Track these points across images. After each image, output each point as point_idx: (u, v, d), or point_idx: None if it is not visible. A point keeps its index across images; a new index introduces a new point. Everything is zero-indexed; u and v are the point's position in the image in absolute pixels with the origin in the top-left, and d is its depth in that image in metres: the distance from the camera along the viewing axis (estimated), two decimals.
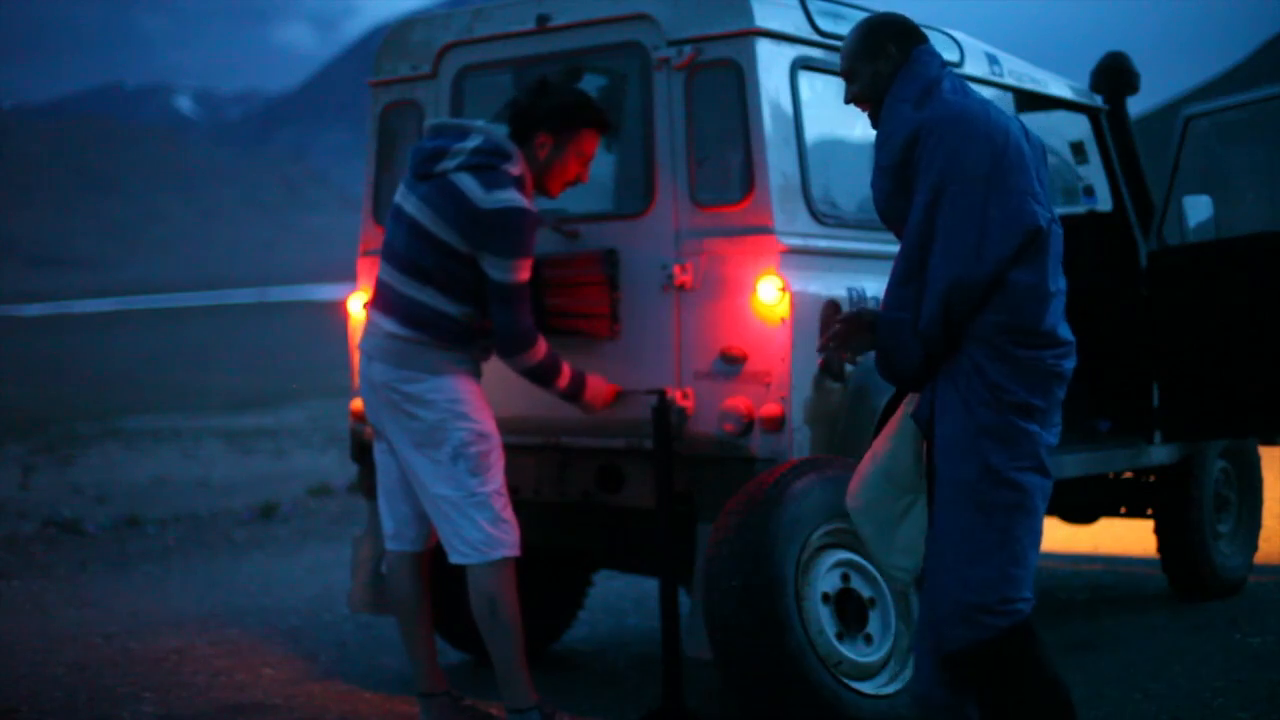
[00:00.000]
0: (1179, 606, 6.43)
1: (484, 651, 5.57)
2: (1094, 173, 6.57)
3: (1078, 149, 6.62)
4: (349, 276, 5.60)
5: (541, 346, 4.50)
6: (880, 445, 3.73)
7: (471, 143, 4.47)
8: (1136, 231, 6.25)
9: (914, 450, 3.67)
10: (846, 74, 3.73)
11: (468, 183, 4.40)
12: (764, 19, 4.62)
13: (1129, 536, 8.06)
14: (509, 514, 4.51)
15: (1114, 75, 6.35)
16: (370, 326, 4.60)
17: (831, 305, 4.60)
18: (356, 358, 5.45)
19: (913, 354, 3.53)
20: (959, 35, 5.55)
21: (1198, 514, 6.39)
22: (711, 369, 4.62)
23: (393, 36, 5.47)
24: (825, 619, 4.33)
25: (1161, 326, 5.76)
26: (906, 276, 3.53)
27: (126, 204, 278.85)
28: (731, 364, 4.56)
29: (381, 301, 4.57)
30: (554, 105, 4.55)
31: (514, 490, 4.76)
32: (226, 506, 11.31)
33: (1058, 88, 6.11)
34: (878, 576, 4.47)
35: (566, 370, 4.57)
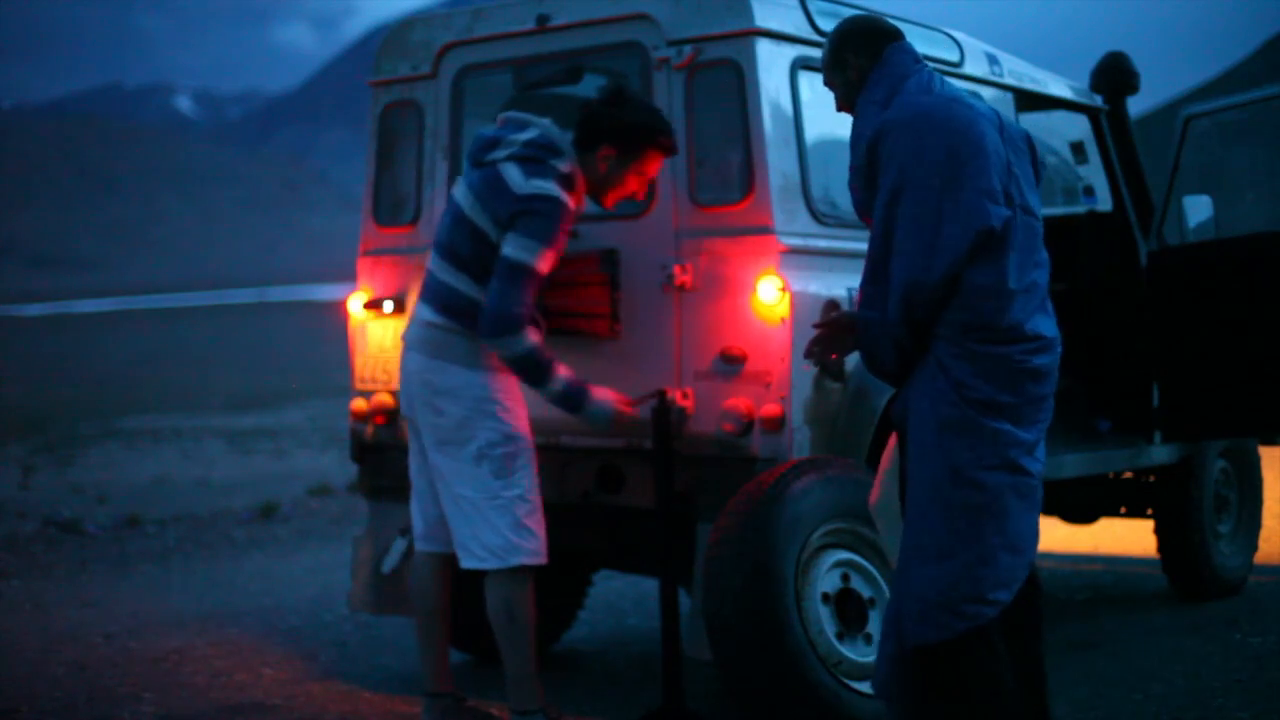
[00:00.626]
0: (1179, 606, 6.43)
1: (485, 653, 5.58)
2: (1094, 173, 6.57)
3: (1078, 149, 6.63)
4: (349, 276, 5.60)
5: (530, 336, 4.35)
6: (894, 442, 3.75)
7: (526, 135, 4.44)
8: (1136, 231, 6.25)
9: None
10: (827, 86, 3.78)
11: (511, 171, 4.37)
12: (764, 19, 4.62)
13: (1129, 536, 8.05)
14: (533, 521, 4.44)
15: (1114, 75, 6.35)
16: (413, 317, 4.57)
17: (831, 305, 4.60)
18: (356, 359, 5.47)
19: (887, 352, 3.55)
20: (959, 35, 5.55)
21: (1198, 514, 6.39)
22: (711, 369, 4.62)
23: (393, 36, 5.48)
24: (825, 619, 4.33)
25: (1161, 326, 5.75)
26: (873, 275, 3.58)
27: (126, 204, 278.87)
28: (731, 364, 4.56)
29: (425, 290, 4.53)
30: (625, 122, 4.45)
31: None
32: (226, 506, 11.30)
33: (1058, 88, 6.11)
34: (878, 576, 4.47)
35: (561, 373, 4.43)
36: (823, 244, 4.68)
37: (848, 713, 4.19)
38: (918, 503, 3.51)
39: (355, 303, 5.45)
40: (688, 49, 4.68)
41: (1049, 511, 6.66)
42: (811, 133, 4.71)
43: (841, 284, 4.67)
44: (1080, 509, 6.77)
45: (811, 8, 4.80)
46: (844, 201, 4.90)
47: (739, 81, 4.60)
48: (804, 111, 4.69)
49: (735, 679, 4.27)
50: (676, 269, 4.67)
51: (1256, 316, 5.48)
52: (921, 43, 5.15)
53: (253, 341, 43.19)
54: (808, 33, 4.74)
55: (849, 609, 4.41)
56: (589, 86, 5.28)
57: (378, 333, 5.38)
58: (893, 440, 3.75)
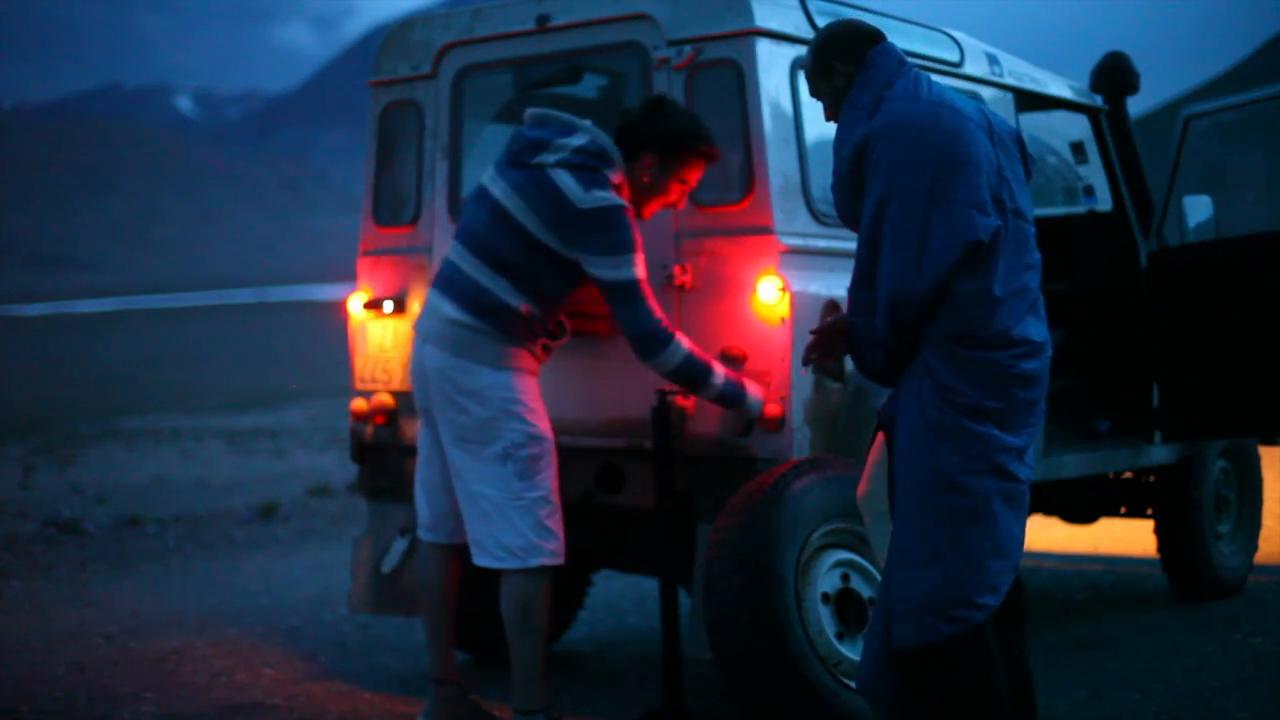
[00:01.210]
0: (1179, 606, 6.42)
1: (486, 653, 5.58)
2: (1094, 173, 6.57)
3: (1078, 149, 6.62)
4: (349, 276, 5.60)
5: (682, 343, 4.33)
6: (881, 438, 3.75)
7: (576, 140, 4.39)
8: (1136, 231, 6.25)
9: None
10: (814, 96, 3.78)
11: (567, 180, 4.31)
12: (764, 19, 4.62)
13: (1129, 536, 8.05)
14: (553, 521, 4.43)
15: (1114, 75, 6.35)
16: (428, 308, 4.50)
17: (831, 305, 4.60)
18: (356, 359, 5.46)
19: (876, 356, 3.56)
20: (959, 35, 5.55)
21: (1198, 514, 6.39)
22: None
23: (393, 36, 5.47)
24: (825, 619, 4.33)
25: (1161, 326, 5.75)
26: (861, 281, 3.57)
27: (126, 204, 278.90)
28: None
29: (444, 282, 4.46)
30: (668, 129, 4.42)
31: None
32: (226, 506, 11.30)
33: (1058, 88, 6.11)
34: (878, 576, 4.47)
35: (720, 370, 4.38)
36: (823, 244, 4.68)
37: (847, 713, 4.19)
38: (905, 506, 3.51)
39: (355, 303, 5.45)
40: (688, 49, 4.68)
41: (1049, 512, 6.66)
42: (811, 133, 4.71)
43: (841, 284, 4.65)
44: (1080, 509, 6.77)
45: (811, 8, 4.79)
46: None
47: (739, 81, 4.60)
48: (804, 111, 4.69)
49: (735, 679, 4.27)
50: (676, 269, 4.67)
51: (1256, 316, 5.48)
52: (921, 43, 5.16)
53: (253, 341, 43.19)
54: (808, 33, 4.74)
55: (849, 609, 4.41)
56: (589, 86, 5.29)
57: (378, 333, 5.38)
58: (881, 435, 3.75)
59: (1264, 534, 7.22)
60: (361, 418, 5.40)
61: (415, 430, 4.87)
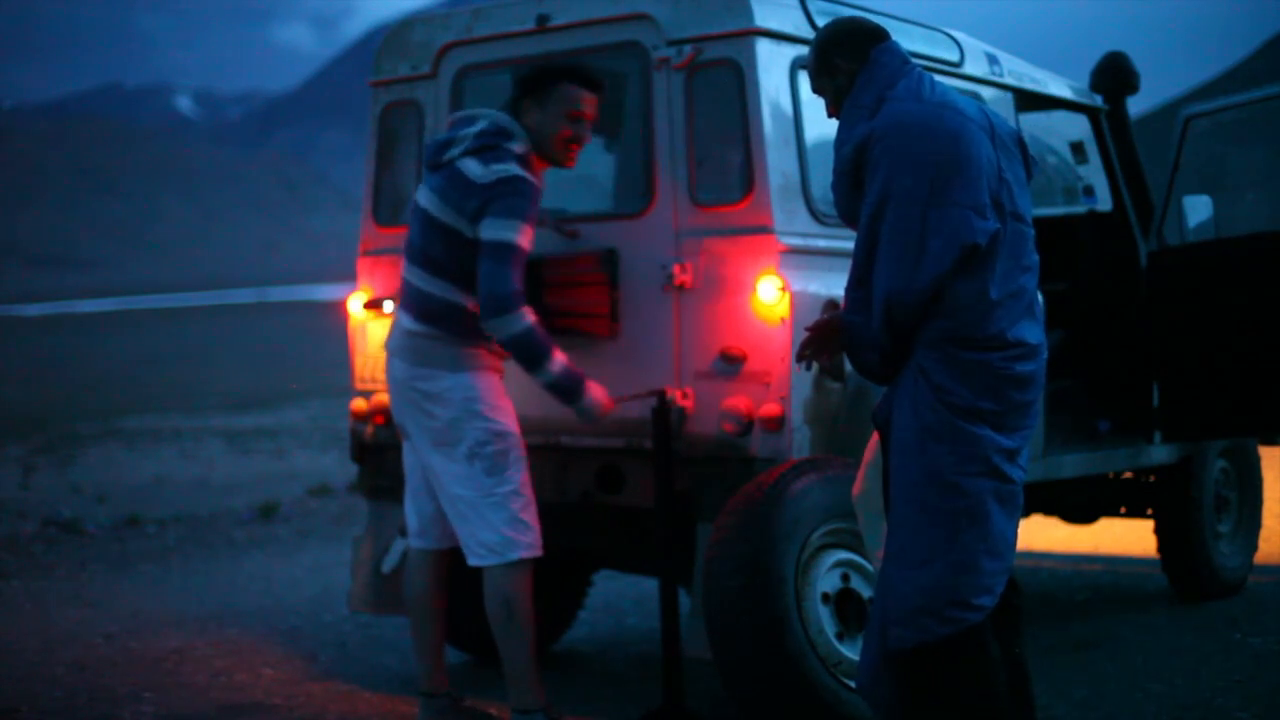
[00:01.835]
0: (1179, 606, 6.42)
1: (486, 653, 5.58)
2: (1094, 173, 6.57)
3: (1078, 149, 6.62)
4: (349, 276, 5.60)
5: (528, 315, 4.34)
6: (876, 438, 3.75)
7: (477, 127, 4.47)
8: (1136, 231, 6.25)
9: None
10: (816, 93, 3.77)
11: (470, 166, 4.40)
12: (764, 19, 4.62)
13: (1129, 536, 8.05)
14: (528, 515, 4.47)
15: (1114, 75, 6.35)
16: (394, 325, 4.60)
17: (831, 304, 4.60)
18: (356, 359, 5.47)
19: (871, 356, 3.56)
20: (959, 35, 5.55)
21: (1198, 514, 6.39)
22: (711, 369, 4.61)
23: (393, 36, 5.47)
24: (825, 619, 4.33)
25: (1161, 326, 5.75)
26: (858, 280, 3.57)
27: (126, 204, 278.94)
28: (731, 364, 4.56)
29: (403, 299, 4.57)
30: (531, 71, 4.55)
31: None
32: (226, 506, 11.30)
33: (1058, 88, 6.11)
34: (875, 575, 4.46)
35: (560, 359, 4.41)
36: (823, 244, 4.68)
37: (848, 713, 4.19)
38: (900, 507, 3.50)
39: (355, 303, 5.46)
40: (688, 49, 4.68)
41: (1049, 512, 6.65)
42: (811, 132, 4.71)
43: (841, 284, 4.63)
44: (1080, 509, 6.77)
45: (811, 8, 4.79)
46: None
47: (739, 81, 4.60)
48: (804, 111, 4.69)
49: (735, 679, 4.27)
50: (676, 269, 4.67)
51: (1256, 316, 5.48)
52: (921, 43, 5.16)
53: (253, 341, 43.18)
54: (807, 33, 4.74)
55: (849, 609, 4.41)
56: None
57: (378, 333, 5.38)
58: (876, 434, 3.75)
59: (1264, 534, 7.22)
60: (361, 418, 5.40)
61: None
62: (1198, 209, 5.73)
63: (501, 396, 4.51)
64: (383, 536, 5.41)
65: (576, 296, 4.79)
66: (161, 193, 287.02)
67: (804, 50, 4.72)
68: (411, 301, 4.51)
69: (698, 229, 4.67)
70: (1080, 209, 6.72)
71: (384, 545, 5.40)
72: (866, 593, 4.44)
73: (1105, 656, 5.55)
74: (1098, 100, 6.33)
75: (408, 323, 4.51)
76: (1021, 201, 3.55)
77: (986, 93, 5.45)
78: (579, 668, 5.87)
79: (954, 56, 5.38)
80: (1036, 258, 3.61)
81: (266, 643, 6.41)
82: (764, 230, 4.56)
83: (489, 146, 4.42)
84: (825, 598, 4.36)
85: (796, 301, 4.51)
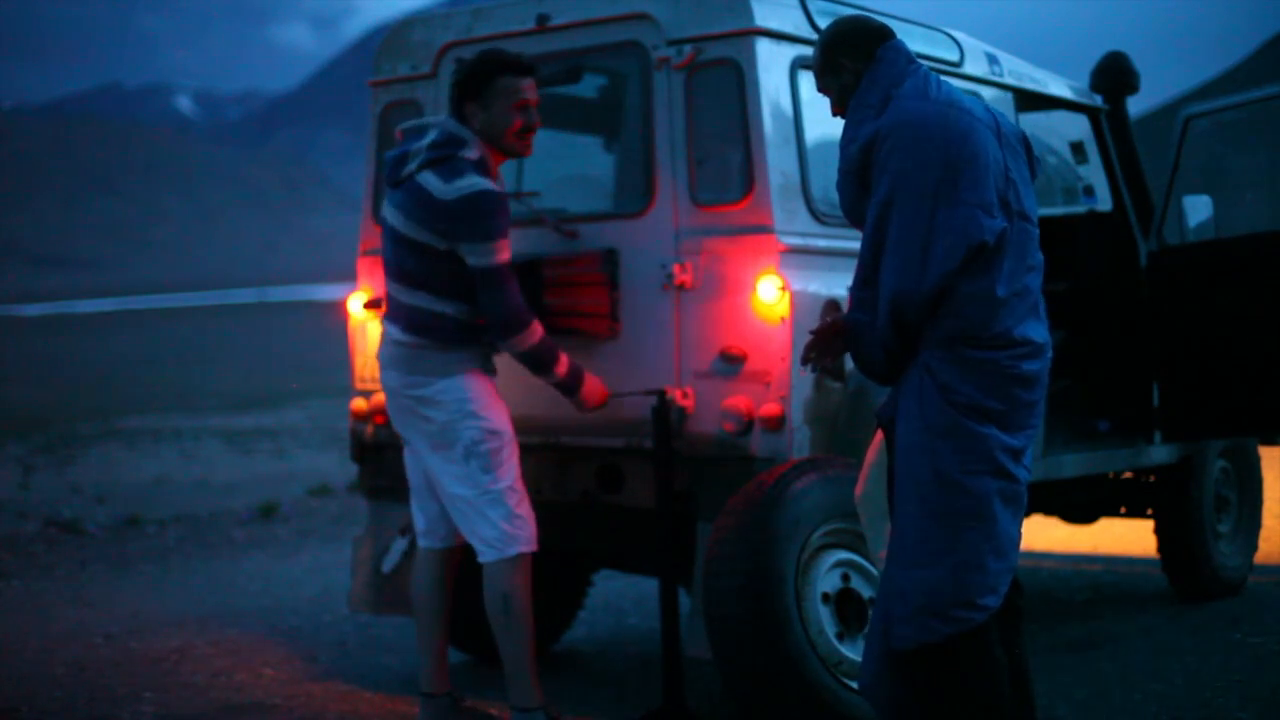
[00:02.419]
0: (1179, 606, 6.42)
1: (486, 653, 5.58)
2: (1094, 173, 6.57)
3: (1078, 149, 6.62)
4: (349, 276, 5.60)
5: (536, 329, 4.47)
6: (880, 438, 3.75)
7: (428, 139, 4.48)
8: (1136, 231, 6.24)
9: None
10: (822, 91, 3.77)
11: (429, 180, 4.41)
12: (764, 19, 4.62)
13: (1129, 536, 8.05)
14: (523, 509, 4.52)
15: (1114, 75, 6.35)
16: (383, 336, 4.65)
17: (831, 304, 4.60)
18: (356, 359, 5.48)
19: (876, 355, 3.55)
20: (959, 35, 5.55)
21: (1198, 514, 6.39)
22: (711, 368, 4.61)
23: (393, 36, 5.47)
24: (825, 619, 4.33)
25: (1161, 326, 5.75)
26: (864, 280, 3.57)
27: (126, 204, 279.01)
28: (731, 363, 4.56)
29: (389, 310, 4.62)
30: (462, 72, 4.54)
31: None
32: (226, 506, 11.30)
33: (1058, 88, 6.11)
34: (878, 576, 4.46)
35: (564, 358, 4.55)
36: (823, 243, 4.67)
37: (848, 713, 4.19)
38: (905, 506, 3.50)
39: (355, 302, 5.46)
40: (687, 49, 4.68)
41: (1049, 512, 6.65)
42: (811, 132, 4.71)
43: (842, 283, 4.66)
44: (1080, 509, 6.77)
45: (811, 7, 4.79)
46: None
47: (739, 81, 4.60)
48: (804, 111, 4.68)
49: (735, 679, 4.26)
50: (676, 268, 4.67)
51: (1256, 316, 5.48)
52: (921, 43, 5.15)
53: (253, 341, 43.19)
54: (808, 32, 4.74)
55: (849, 609, 4.41)
56: (589, 86, 5.28)
57: (378, 332, 5.37)
58: (879, 434, 3.75)
59: (1264, 534, 7.22)
60: (361, 418, 5.41)
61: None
62: (1198, 209, 5.73)
63: (493, 396, 4.55)
64: (383, 536, 5.41)
65: (576, 296, 4.79)
66: (161, 193, 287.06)
67: (804, 50, 4.73)
68: (398, 314, 4.55)
69: (698, 229, 4.67)
70: (1080, 209, 6.72)
71: (384, 545, 5.40)
72: (867, 593, 4.44)
73: (1105, 656, 5.55)
74: (1098, 100, 6.33)
75: (396, 334, 4.56)
76: (1027, 201, 3.56)
77: (986, 93, 5.45)
78: (579, 668, 5.87)
79: (954, 56, 5.38)
80: (1041, 257, 3.61)
81: (266, 643, 6.41)
82: (764, 230, 4.55)
83: (445, 158, 4.43)
84: (825, 598, 4.35)
85: (796, 301, 4.51)
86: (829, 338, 3.71)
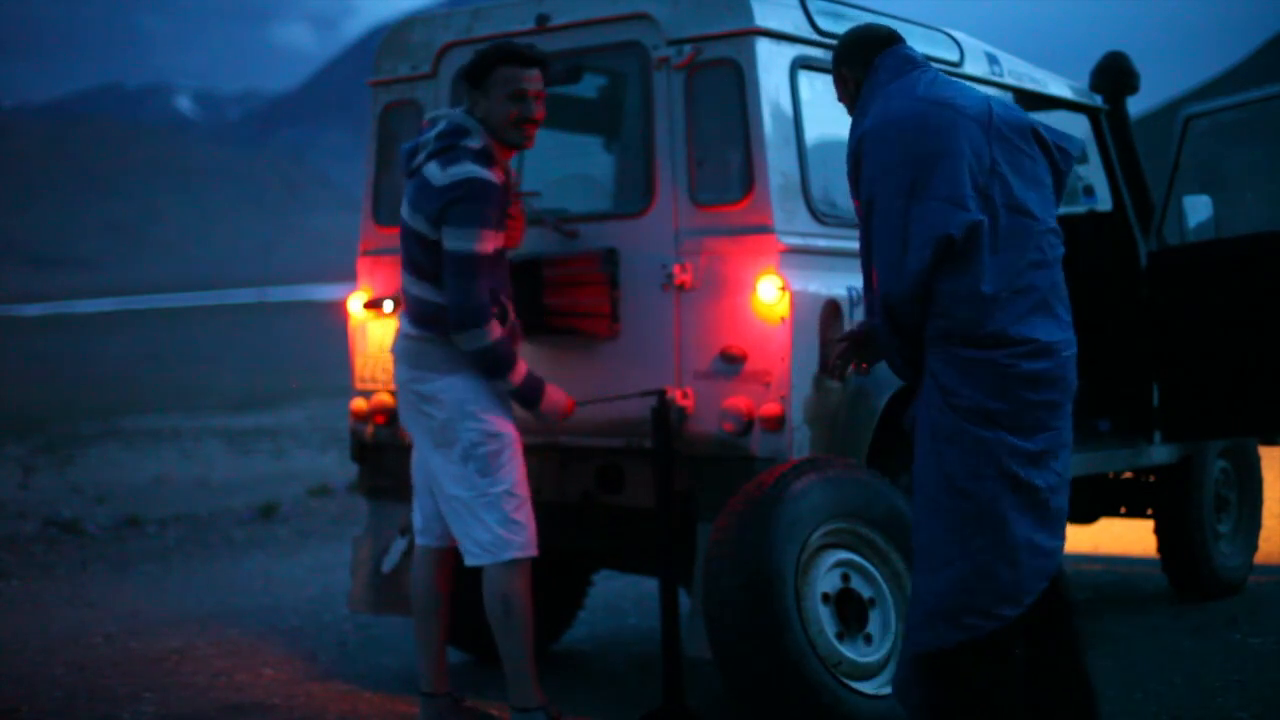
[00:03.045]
0: (1179, 606, 6.42)
1: (486, 653, 5.58)
2: (1094, 173, 6.57)
3: None
4: (349, 276, 5.61)
5: (494, 330, 4.39)
6: None
7: (436, 130, 4.49)
8: (1136, 231, 6.24)
9: None
10: (840, 101, 3.80)
11: (432, 170, 4.42)
12: (764, 18, 4.62)
13: (1129, 536, 8.05)
14: (521, 515, 4.48)
15: (1114, 75, 6.35)
16: (397, 329, 4.65)
17: (831, 306, 4.60)
18: (356, 359, 5.48)
19: (894, 357, 3.57)
20: (959, 35, 5.55)
21: (1198, 514, 6.39)
22: (711, 368, 4.61)
23: (392, 36, 5.47)
24: (825, 619, 4.33)
25: (1161, 326, 5.75)
26: (867, 283, 3.59)
27: (126, 204, 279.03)
28: (731, 363, 4.56)
29: (404, 304, 4.62)
30: (468, 63, 4.54)
31: None
32: (226, 506, 11.30)
33: (1058, 88, 6.11)
34: (878, 576, 4.47)
35: (523, 368, 4.49)
36: (823, 243, 4.68)
37: (848, 713, 4.19)
38: (917, 511, 3.51)
39: (355, 302, 5.46)
40: (687, 48, 4.68)
41: None
42: (811, 132, 4.71)
43: (841, 283, 4.67)
44: (1080, 509, 6.76)
45: (811, 7, 4.79)
46: (844, 201, 4.91)
47: (739, 81, 4.60)
48: (804, 111, 4.69)
49: (735, 679, 4.26)
50: (676, 268, 4.67)
51: (1256, 316, 5.48)
52: (921, 43, 5.15)
53: (253, 341, 43.19)
54: (808, 32, 4.74)
55: (849, 609, 4.41)
56: (589, 86, 5.28)
57: (378, 332, 5.38)
58: None
59: (1264, 534, 7.22)
60: (361, 417, 5.41)
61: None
62: (1198, 209, 5.73)
63: (496, 398, 4.52)
64: (383, 536, 5.41)
65: (576, 296, 4.79)
66: (161, 193, 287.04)
67: (804, 50, 4.73)
68: (408, 307, 4.56)
69: (698, 229, 4.67)
70: (1080, 209, 6.72)
71: (384, 545, 5.39)
72: (867, 592, 4.44)
73: (1105, 656, 5.55)
74: (1098, 100, 6.33)
75: (406, 327, 4.56)
76: (1026, 196, 3.49)
77: (986, 93, 5.45)
78: (579, 668, 5.87)
79: (954, 56, 5.38)
80: (1056, 252, 3.55)
81: (266, 643, 6.41)
82: (764, 230, 4.56)
83: (447, 148, 4.44)
84: (825, 598, 4.35)
85: (796, 301, 4.51)
86: (861, 343, 3.70)
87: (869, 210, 3.47)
